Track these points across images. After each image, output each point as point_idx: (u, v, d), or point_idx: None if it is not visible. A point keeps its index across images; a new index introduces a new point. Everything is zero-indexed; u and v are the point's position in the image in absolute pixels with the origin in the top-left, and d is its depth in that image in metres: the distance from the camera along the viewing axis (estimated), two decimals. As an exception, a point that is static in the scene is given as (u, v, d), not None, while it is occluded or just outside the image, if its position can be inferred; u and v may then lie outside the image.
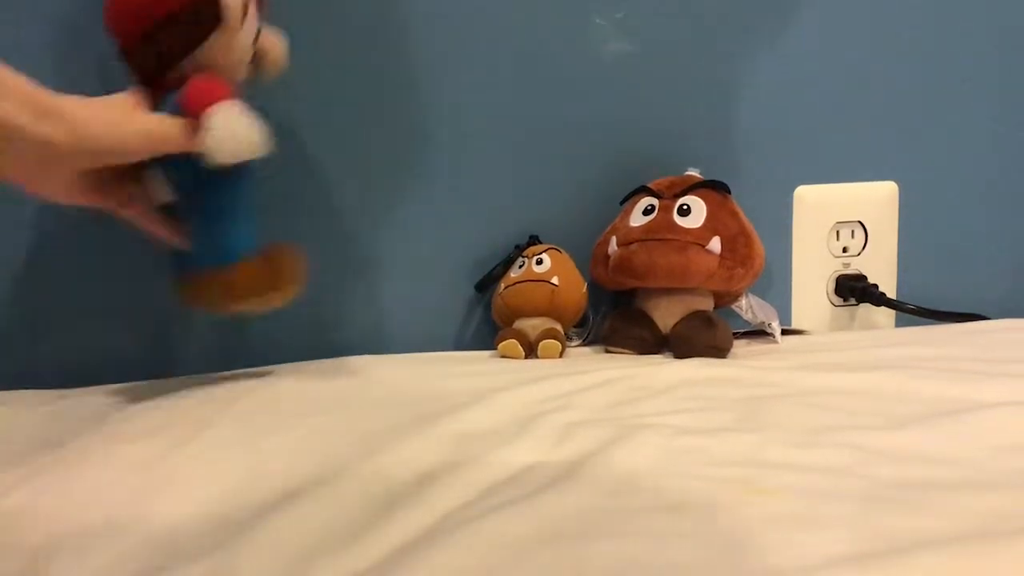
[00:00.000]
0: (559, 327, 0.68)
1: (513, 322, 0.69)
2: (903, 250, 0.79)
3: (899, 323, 0.79)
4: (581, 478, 0.36)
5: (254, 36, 0.55)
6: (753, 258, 0.66)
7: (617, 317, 0.68)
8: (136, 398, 0.56)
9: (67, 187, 0.48)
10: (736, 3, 0.75)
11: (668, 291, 0.67)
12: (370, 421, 0.47)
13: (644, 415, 0.46)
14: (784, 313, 0.78)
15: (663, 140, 0.75)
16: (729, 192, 0.67)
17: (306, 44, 0.62)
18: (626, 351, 0.67)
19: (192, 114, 0.48)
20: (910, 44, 0.78)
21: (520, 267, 0.70)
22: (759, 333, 0.71)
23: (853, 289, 0.77)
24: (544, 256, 0.69)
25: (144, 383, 0.62)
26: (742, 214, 0.67)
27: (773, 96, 0.77)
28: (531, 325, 0.67)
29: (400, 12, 0.70)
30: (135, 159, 0.48)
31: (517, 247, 0.73)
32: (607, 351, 0.68)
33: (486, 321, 0.74)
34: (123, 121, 0.47)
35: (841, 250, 0.78)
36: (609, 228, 0.71)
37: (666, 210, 0.66)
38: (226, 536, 0.31)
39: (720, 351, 0.62)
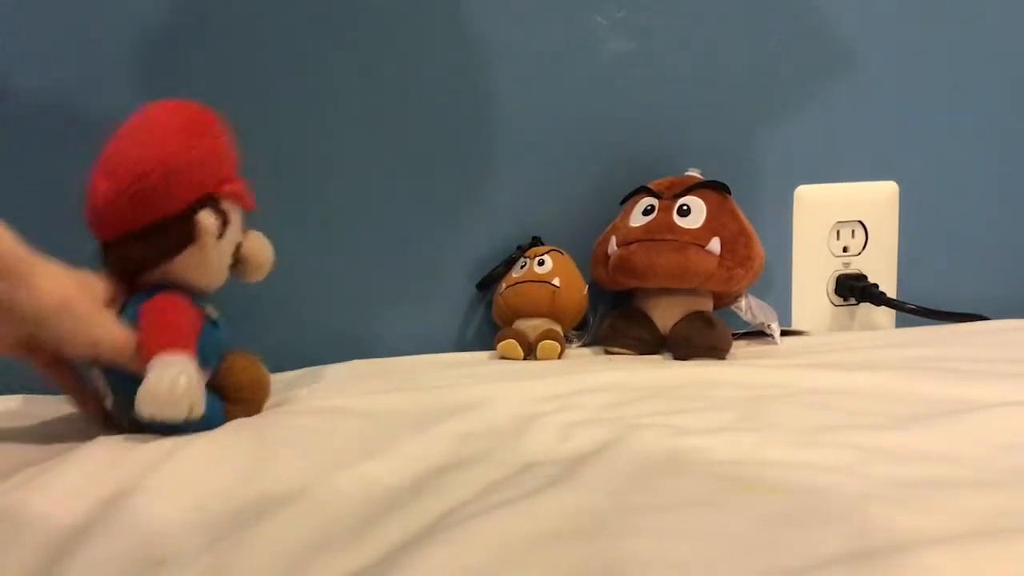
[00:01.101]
0: (559, 328, 0.68)
1: (513, 322, 0.69)
2: (903, 250, 0.79)
3: (899, 323, 0.79)
4: (581, 478, 0.36)
5: (234, 247, 0.53)
6: (753, 259, 0.66)
7: (616, 317, 0.69)
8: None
9: (9, 340, 0.46)
10: (736, 2, 0.75)
11: (667, 291, 0.67)
12: (369, 421, 0.47)
13: (644, 415, 0.46)
14: (784, 312, 0.78)
15: (664, 140, 0.75)
16: (729, 192, 0.67)
17: (305, 41, 0.63)
18: (625, 351, 0.67)
19: (141, 348, 0.46)
20: (911, 43, 0.78)
21: (522, 267, 0.70)
22: (759, 334, 0.71)
23: (853, 289, 0.77)
24: (546, 257, 0.69)
25: None
26: (742, 214, 0.67)
27: (773, 96, 0.77)
28: (531, 326, 0.67)
29: (399, 12, 0.70)
30: (74, 355, 0.47)
31: (519, 247, 0.73)
32: (606, 352, 0.68)
33: (487, 321, 0.75)
34: (69, 308, 0.44)
35: (841, 249, 0.79)
36: (609, 228, 0.71)
37: (666, 210, 0.66)
38: (225, 533, 0.31)
39: (719, 352, 0.62)
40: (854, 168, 0.79)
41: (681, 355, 0.63)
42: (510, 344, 0.65)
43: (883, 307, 0.77)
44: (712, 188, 0.67)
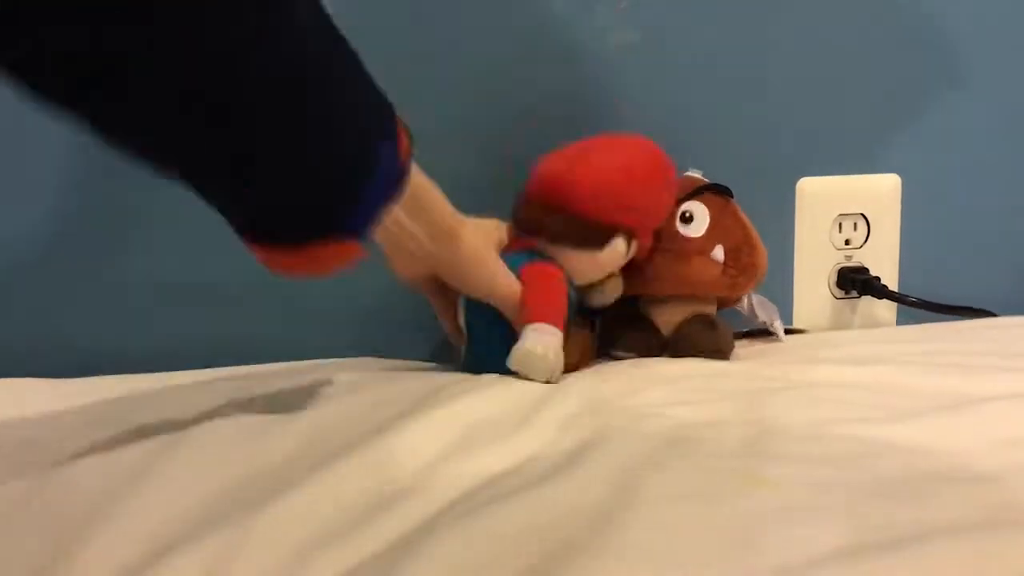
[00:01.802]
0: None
1: None
2: (905, 243, 0.79)
3: (900, 316, 0.79)
4: (581, 469, 0.36)
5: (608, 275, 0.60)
6: (756, 266, 0.66)
7: (616, 320, 0.67)
8: (135, 390, 0.56)
9: (413, 276, 0.56)
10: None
11: (670, 295, 0.66)
12: (369, 414, 0.47)
13: (644, 406, 0.46)
14: (786, 305, 0.78)
15: (666, 131, 0.75)
16: (731, 195, 0.67)
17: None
18: (628, 355, 0.65)
19: (524, 306, 0.53)
20: (913, 36, 0.78)
21: None
22: (760, 332, 0.70)
23: (855, 281, 0.77)
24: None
25: (143, 375, 0.62)
26: (745, 218, 0.66)
27: (775, 88, 0.77)
28: None
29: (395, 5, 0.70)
30: (465, 293, 0.55)
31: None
32: (607, 354, 0.67)
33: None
34: (482, 261, 0.53)
35: (843, 242, 0.78)
36: None
37: (668, 217, 0.65)
38: (226, 526, 0.31)
39: (722, 354, 0.62)
40: (856, 161, 0.79)
41: (682, 357, 0.62)
42: None
43: (885, 300, 0.76)
44: (714, 192, 0.66)
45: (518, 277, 0.54)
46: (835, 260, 0.78)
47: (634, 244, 0.59)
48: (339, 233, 0.39)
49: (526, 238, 0.58)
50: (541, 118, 0.73)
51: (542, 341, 0.51)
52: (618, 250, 0.58)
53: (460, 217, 0.51)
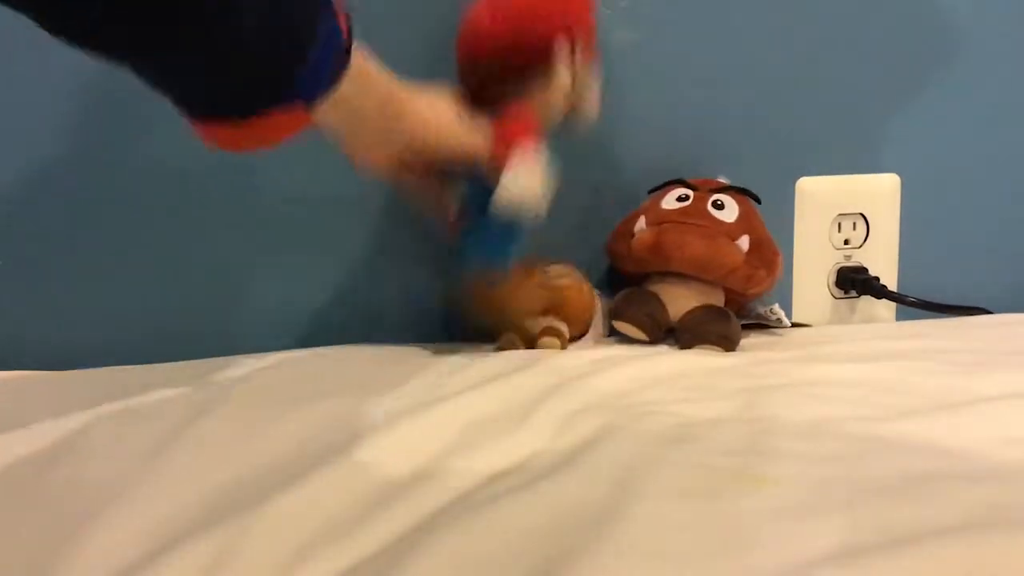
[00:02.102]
0: (564, 328, 0.66)
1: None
2: (904, 242, 0.79)
3: (900, 316, 0.79)
4: (583, 466, 0.36)
5: (571, 88, 0.57)
6: (775, 264, 0.67)
7: (627, 294, 0.67)
8: (134, 382, 0.56)
9: (386, 163, 0.53)
10: (739, -7, 0.75)
11: (683, 281, 0.66)
12: (370, 408, 0.47)
13: (645, 403, 0.46)
14: (785, 305, 0.78)
15: (666, 130, 0.75)
16: (759, 201, 0.69)
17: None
18: (633, 328, 0.65)
19: (496, 150, 0.52)
20: (912, 35, 0.78)
21: None
22: (758, 326, 0.71)
23: (854, 281, 0.77)
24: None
25: (143, 367, 0.62)
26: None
27: (775, 88, 0.77)
28: (534, 323, 0.66)
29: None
30: (442, 160, 0.53)
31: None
32: (613, 327, 0.67)
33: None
34: (448, 125, 0.51)
35: (843, 242, 0.78)
36: (638, 209, 0.70)
37: (700, 200, 0.66)
38: (227, 522, 0.31)
39: (731, 342, 0.62)
40: (856, 160, 0.79)
41: (688, 343, 0.63)
42: (511, 337, 0.65)
43: (884, 300, 0.77)
44: (745, 194, 0.68)
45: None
46: (834, 260, 0.78)
47: (577, 49, 0.56)
48: (287, 101, 0.39)
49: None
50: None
51: (532, 165, 0.51)
52: (565, 79, 0.56)
53: (410, 89, 0.50)
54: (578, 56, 0.56)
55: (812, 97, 0.77)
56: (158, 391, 0.53)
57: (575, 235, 0.73)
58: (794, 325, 0.74)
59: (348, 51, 0.42)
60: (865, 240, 0.78)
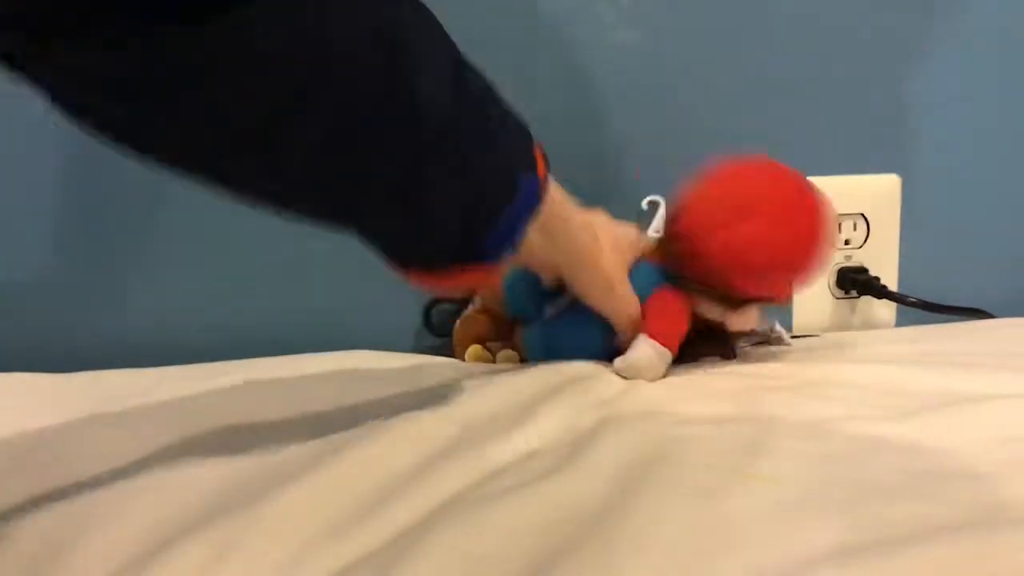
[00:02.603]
0: None
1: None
2: (905, 243, 0.79)
3: (900, 316, 0.79)
4: (581, 465, 0.36)
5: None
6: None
7: None
8: (138, 383, 0.56)
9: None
10: (740, -6, 0.75)
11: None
12: (370, 407, 0.47)
13: (645, 403, 0.47)
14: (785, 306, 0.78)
15: (664, 131, 0.75)
16: None
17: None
18: None
19: (642, 319, 0.54)
20: (911, 36, 0.78)
21: None
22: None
23: (855, 281, 0.77)
24: None
25: (150, 370, 0.62)
26: None
27: (774, 89, 0.77)
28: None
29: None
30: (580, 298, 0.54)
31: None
32: None
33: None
34: (611, 288, 0.54)
35: (843, 242, 0.78)
36: None
37: None
38: (228, 519, 0.31)
39: (729, 351, 0.62)
40: (856, 161, 0.79)
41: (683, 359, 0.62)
42: (477, 349, 0.64)
43: (884, 300, 0.77)
44: None
45: (645, 291, 0.55)
46: (835, 260, 0.78)
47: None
48: (478, 260, 0.41)
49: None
50: (541, 118, 0.73)
51: (652, 357, 0.52)
52: (750, 314, 0.58)
53: (596, 229, 0.53)
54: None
55: (812, 98, 0.77)
56: (161, 389, 0.54)
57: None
58: (795, 337, 0.73)
59: (541, 202, 0.44)
60: (865, 240, 0.79)
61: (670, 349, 0.54)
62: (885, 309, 0.79)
